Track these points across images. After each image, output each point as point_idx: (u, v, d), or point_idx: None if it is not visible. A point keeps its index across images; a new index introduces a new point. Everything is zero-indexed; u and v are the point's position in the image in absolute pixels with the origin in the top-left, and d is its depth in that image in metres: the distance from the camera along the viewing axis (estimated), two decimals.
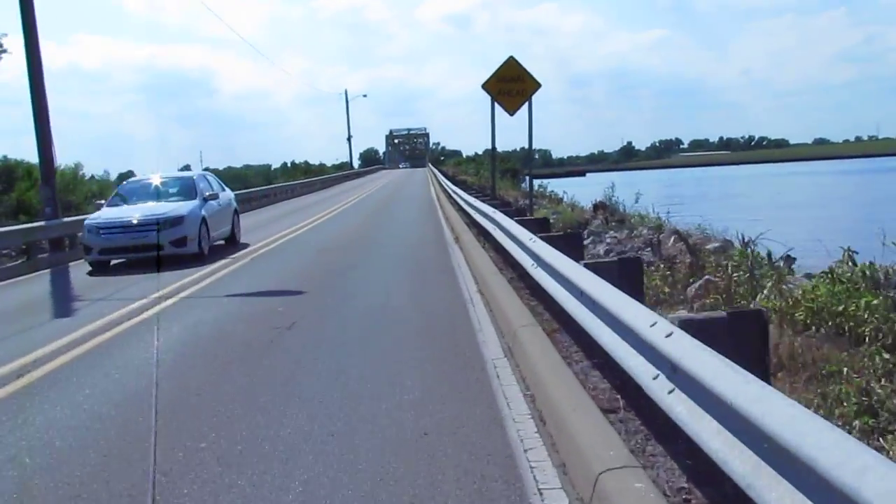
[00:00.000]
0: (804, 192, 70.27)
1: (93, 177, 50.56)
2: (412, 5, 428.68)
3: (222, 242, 18.67)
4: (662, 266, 11.72)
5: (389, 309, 10.12)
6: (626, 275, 6.56)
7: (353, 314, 9.85)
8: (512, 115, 21.66)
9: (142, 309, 10.81)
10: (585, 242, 16.18)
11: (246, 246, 18.43)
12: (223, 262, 15.62)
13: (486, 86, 21.64)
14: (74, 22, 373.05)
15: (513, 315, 8.33)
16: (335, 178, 70.65)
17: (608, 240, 15.81)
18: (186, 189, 17.64)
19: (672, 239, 13.96)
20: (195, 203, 16.79)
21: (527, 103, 21.56)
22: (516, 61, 21.58)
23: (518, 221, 11.10)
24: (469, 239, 16.77)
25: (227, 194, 20.08)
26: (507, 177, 60.20)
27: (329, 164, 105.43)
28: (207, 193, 17.67)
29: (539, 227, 11.19)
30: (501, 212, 13.33)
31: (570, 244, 8.81)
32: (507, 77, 21.51)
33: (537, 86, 21.63)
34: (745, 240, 13.60)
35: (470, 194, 24.55)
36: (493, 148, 22.77)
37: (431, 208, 30.81)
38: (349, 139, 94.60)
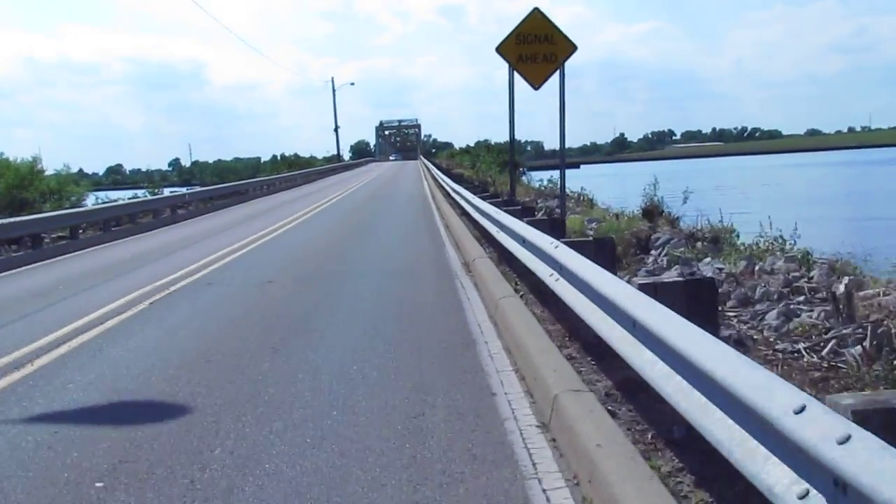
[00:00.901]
0: (817, 184, 64.37)
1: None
2: None
3: None
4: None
5: (345, 491, 4.10)
6: None
7: None
8: (537, 88, 15.61)
9: None
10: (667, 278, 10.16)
11: None
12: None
13: (503, 49, 15.58)
14: (63, 13, 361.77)
15: None
16: (320, 171, 64.37)
17: (710, 274, 9.77)
18: None
19: (844, 283, 7.94)
20: None
21: (558, 73, 15.59)
22: (543, 15, 15.47)
23: (643, 289, 4.99)
24: (488, 271, 10.70)
25: None
26: (505, 170, 54.16)
27: (320, 156, 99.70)
28: None
29: (692, 297, 5.12)
30: (566, 244, 7.18)
31: None
32: (530, 36, 15.43)
33: (572, 48, 15.58)
34: None
35: (480, 197, 18.63)
36: (512, 136, 16.74)
37: (426, 211, 24.78)
38: (336, 130, 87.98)
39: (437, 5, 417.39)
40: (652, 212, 16.52)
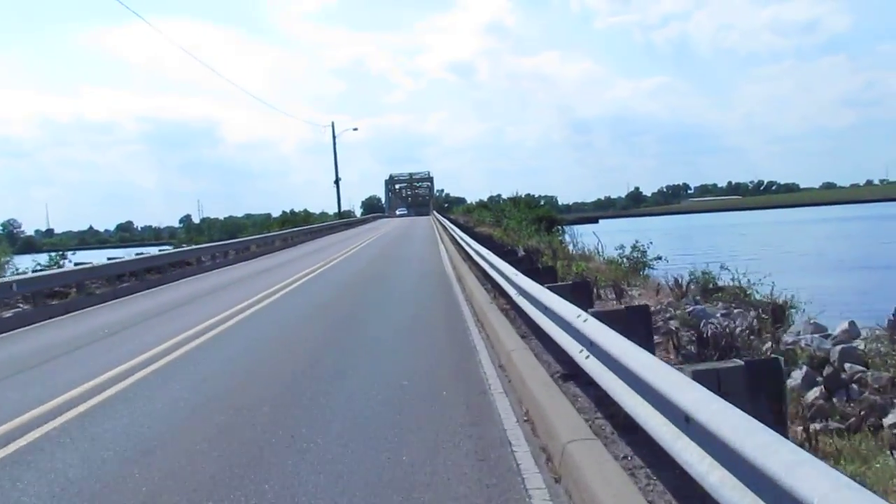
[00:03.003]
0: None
1: None
2: (413, 54, 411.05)
3: None
4: None
5: None
6: None
7: None
8: None
9: None
10: None
11: None
12: None
13: None
14: (79, 74, 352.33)
15: None
16: (313, 230, 51.23)
17: None
18: None
19: None
20: None
21: None
22: None
23: None
24: None
25: None
26: (542, 229, 40.81)
27: (331, 211, 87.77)
28: None
29: None
30: None
31: None
32: None
33: None
34: None
35: (556, 291, 5.56)
36: None
37: (453, 311, 11.60)
38: (337, 182, 75.02)
39: (446, 63, 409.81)
40: None
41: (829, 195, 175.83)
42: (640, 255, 22.06)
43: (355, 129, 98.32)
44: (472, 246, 18.27)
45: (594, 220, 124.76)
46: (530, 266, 11.82)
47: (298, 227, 49.73)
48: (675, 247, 43.46)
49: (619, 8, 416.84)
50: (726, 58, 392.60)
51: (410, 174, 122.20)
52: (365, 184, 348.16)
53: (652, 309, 11.66)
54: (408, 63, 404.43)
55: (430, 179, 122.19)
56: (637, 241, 22.66)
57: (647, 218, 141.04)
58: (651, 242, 22.58)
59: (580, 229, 36.79)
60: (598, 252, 23.29)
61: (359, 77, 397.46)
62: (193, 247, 29.13)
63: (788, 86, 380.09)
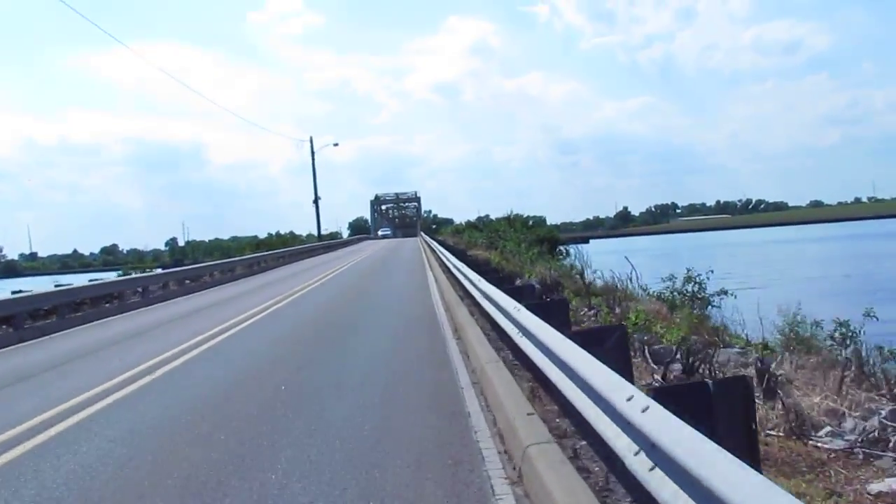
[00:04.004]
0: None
1: None
2: (399, 75, 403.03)
3: None
4: None
5: None
6: None
7: None
8: None
9: None
10: None
11: None
12: None
13: None
14: (64, 97, 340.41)
15: None
16: (287, 253, 44.94)
17: None
18: None
19: None
20: None
21: None
22: None
23: None
24: None
25: None
26: (545, 253, 34.89)
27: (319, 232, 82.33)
28: None
29: None
30: None
31: None
32: None
33: None
34: None
35: None
36: None
37: (455, 424, 5.54)
38: (316, 201, 68.66)
39: (432, 84, 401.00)
40: None
41: (819, 213, 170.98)
42: (697, 289, 16.32)
43: (336, 145, 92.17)
44: (479, 286, 12.21)
45: (584, 240, 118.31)
46: (620, 352, 5.56)
47: (269, 251, 43.44)
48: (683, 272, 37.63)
49: (604, 29, 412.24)
50: (710, 78, 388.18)
51: (397, 194, 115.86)
52: (353, 205, 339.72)
53: (849, 424, 5.74)
54: (394, 84, 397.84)
55: (418, 200, 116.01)
56: (689, 270, 16.87)
57: (637, 238, 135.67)
58: (712, 271, 16.80)
59: (585, 249, 30.92)
60: (640, 285, 17.25)
61: (345, 99, 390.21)
62: (119, 278, 22.95)
63: (773, 105, 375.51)
